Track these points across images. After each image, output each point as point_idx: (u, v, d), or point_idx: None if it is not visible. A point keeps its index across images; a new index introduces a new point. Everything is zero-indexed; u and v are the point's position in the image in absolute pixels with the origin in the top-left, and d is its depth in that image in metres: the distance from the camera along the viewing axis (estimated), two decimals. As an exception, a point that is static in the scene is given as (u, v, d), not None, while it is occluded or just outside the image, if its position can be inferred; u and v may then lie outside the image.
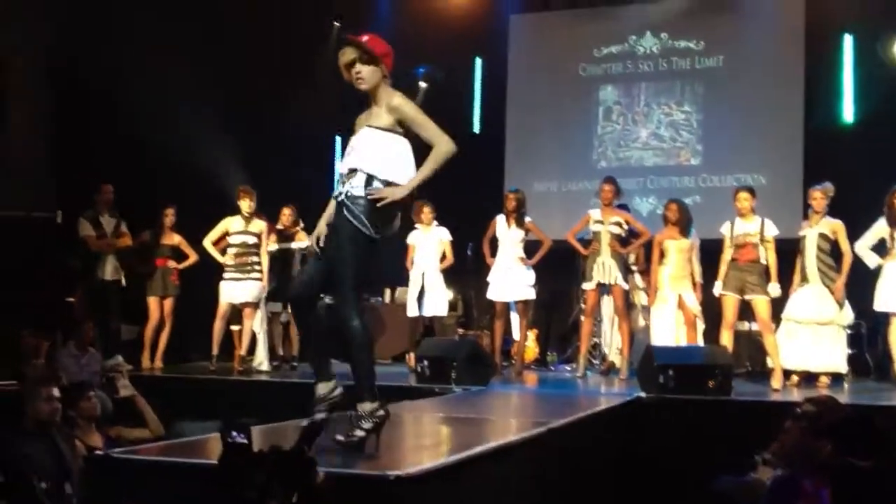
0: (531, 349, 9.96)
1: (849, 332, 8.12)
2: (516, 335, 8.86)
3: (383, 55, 3.84)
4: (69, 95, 9.61)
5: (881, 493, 3.06)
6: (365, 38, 3.83)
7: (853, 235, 7.86)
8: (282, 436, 3.67)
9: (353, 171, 3.72)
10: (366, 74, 3.79)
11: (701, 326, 8.43)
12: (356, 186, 3.68)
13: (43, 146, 9.60)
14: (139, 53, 9.40)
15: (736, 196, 7.89)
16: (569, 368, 9.39)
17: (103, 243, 8.74)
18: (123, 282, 8.89)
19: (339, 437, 3.55)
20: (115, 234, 8.83)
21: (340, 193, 3.71)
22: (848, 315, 7.91)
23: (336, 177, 3.87)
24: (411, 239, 9.08)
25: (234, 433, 2.05)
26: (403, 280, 9.34)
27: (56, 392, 4.60)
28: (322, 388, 3.75)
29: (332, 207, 3.80)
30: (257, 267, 8.62)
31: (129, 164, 9.36)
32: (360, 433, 3.56)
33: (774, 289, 7.64)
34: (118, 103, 9.42)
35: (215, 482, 2.07)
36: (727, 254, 7.81)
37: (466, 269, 9.89)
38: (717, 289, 7.78)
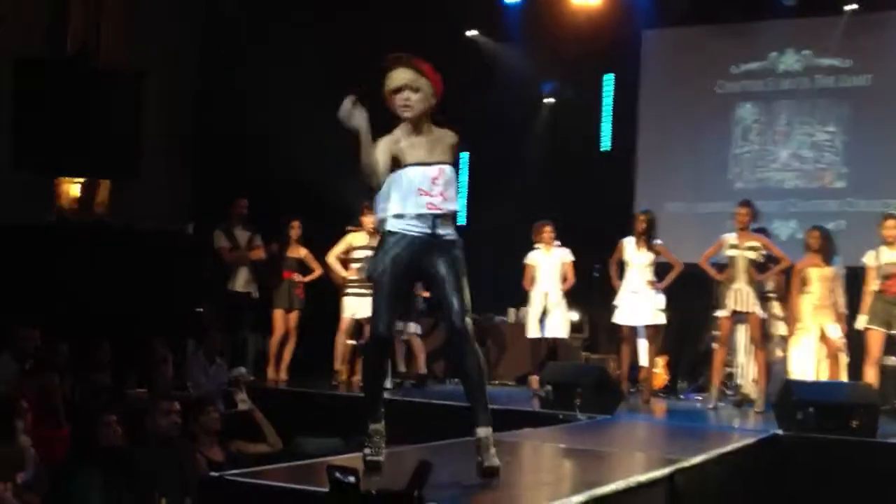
0: (660, 376, 9.63)
1: None
2: (643, 361, 8.56)
3: (438, 85, 3.70)
4: (202, 111, 9.90)
5: None
6: (424, 65, 3.71)
7: None
8: (396, 463, 3.58)
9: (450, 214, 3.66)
10: (414, 102, 3.66)
11: (844, 360, 7.96)
12: (452, 230, 3.68)
13: (177, 160, 9.91)
14: (271, 71, 9.60)
15: (883, 223, 7.43)
16: (699, 398, 9.01)
17: (236, 255, 8.92)
18: (255, 294, 9.04)
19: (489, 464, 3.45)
20: (249, 246, 8.99)
21: (442, 235, 3.64)
22: None
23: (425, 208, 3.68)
24: (530, 259, 8.92)
25: (342, 473, 1.95)
26: (524, 300, 9.18)
27: (176, 406, 4.64)
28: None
29: (409, 243, 3.62)
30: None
31: (258, 177, 9.54)
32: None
33: None
34: (249, 119, 9.63)
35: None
36: (872, 285, 7.35)
37: (593, 291, 9.65)
38: (862, 322, 7.33)
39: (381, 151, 3.65)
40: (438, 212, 3.62)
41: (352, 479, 1.95)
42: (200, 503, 3.77)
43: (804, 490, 5.79)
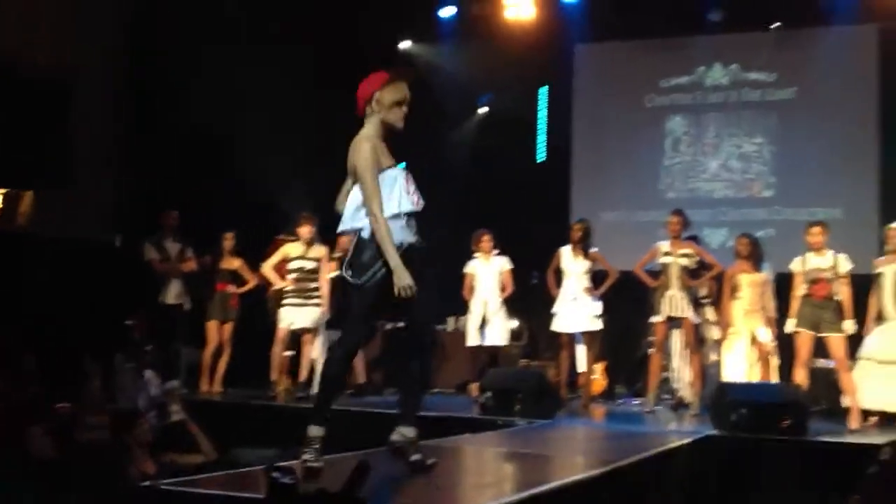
0: (599, 382, 9.72)
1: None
2: (582, 367, 8.63)
3: None
4: (130, 121, 9.69)
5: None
6: None
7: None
8: (334, 470, 3.53)
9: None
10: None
11: (775, 363, 8.14)
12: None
13: (104, 170, 9.68)
14: (204, 76, 9.46)
15: (808, 230, 7.62)
16: (637, 402, 9.12)
17: (168, 267, 8.77)
18: (188, 306, 8.90)
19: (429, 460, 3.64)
20: (180, 258, 8.86)
21: (416, 243, 3.83)
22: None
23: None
24: (469, 268, 8.95)
25: (279, 474, 1.92)
26: (463, 309, 9.20)
27: (105, 419, 4.53)
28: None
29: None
30: (317, 293, 8.54)
31: (190, 188, 9.38)
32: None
33: (850, 325, 7.36)
34: (180, 127, 9.47)
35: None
36: (799, 290, 7.53)
37: (532, 300, 9.71)
38: (790, 326, 7.50)
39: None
40: (418, 210, 3.81)
41: (289, 479, 1.91)
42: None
43: (739, 488, 5.88)
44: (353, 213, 3.81)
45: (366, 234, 3.74)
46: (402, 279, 3.60)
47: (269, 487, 1.93)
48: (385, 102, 3.88)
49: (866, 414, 7.47)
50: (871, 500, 3.16)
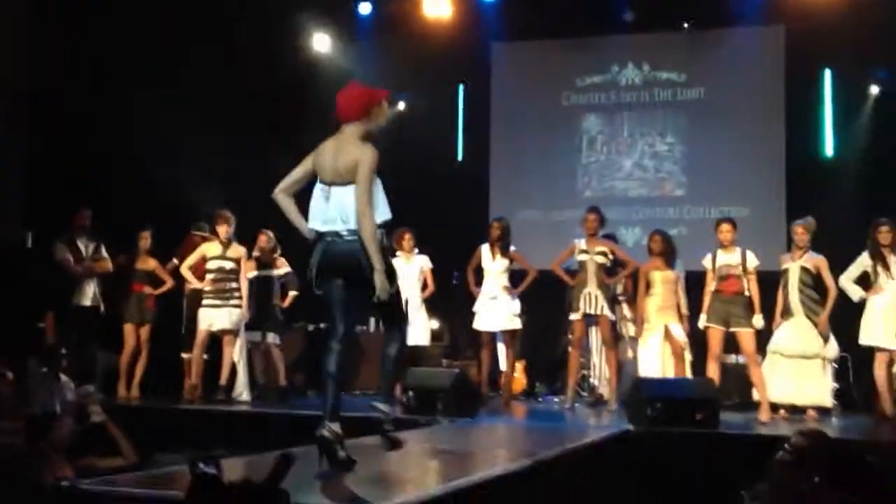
0: (519, 380, 9.83)
1: (834, 366, 8.09)
2: (503, 366, 8.73)
3: None
4: (40, 118, 9.44)
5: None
6: None
7: (835, 267, 7.85)
8: (258, 468, 3.53)
9: None
10: None
11: (688, 358, 8.35)
12: None
13: (13, 169, 9.42)
14: (114, 75, 9.28)
15: (717, 228, 7.87)
16: (557, 400, 9.26)
17: (81, 267, 8.57)
18: (102, 308, 8.71)
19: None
20: (93, 258, 8.65)
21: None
22: (833, 349, 7.88)
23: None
24: (391, 266, 8.95)
25: (203, 465, 1.92)
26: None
27: (18, 425, 4.42)
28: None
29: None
30: (236, 294, 8.46)
31: (103, 187, 9.18)
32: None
33: (759, 320, 7.63)
34: (92, 126, 9.27)
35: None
36: (710, 286, 7.77)
37: (452, 299, 9.77)
38: (703, 321, 7.73)
39: None
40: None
41: (213, 470, 1.92)
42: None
43: (655, 480, 6.03)
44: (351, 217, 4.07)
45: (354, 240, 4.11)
46: (387, 284, 4.01)
47: (192, 479, 1.93)
48: (383, 113, 4.29)
49: (775, 407, 7.74)
50: (778, 486, 3.29)
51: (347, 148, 4.12)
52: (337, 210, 4.06)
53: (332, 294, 4.11)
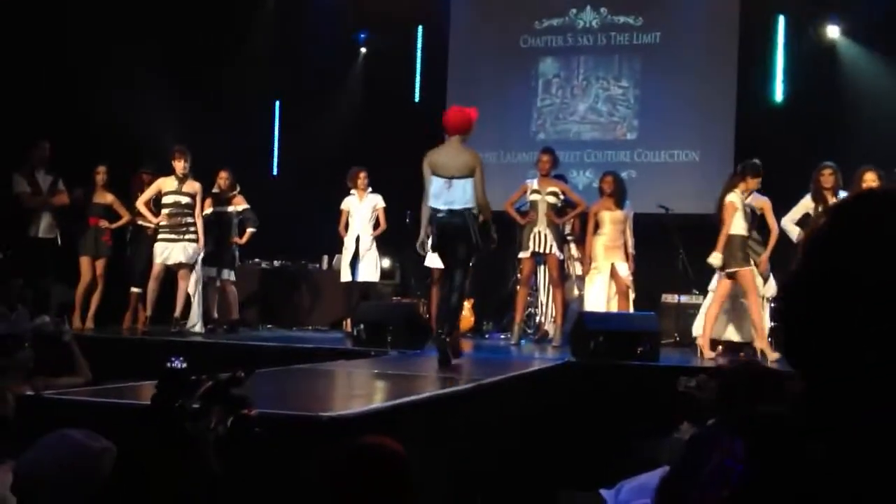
0: (467, 318, 10.00)
1: (772, 304, 8.37)
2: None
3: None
4: None
5: (788, 439, 3.20)
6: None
7: (780, 211, 8.08)
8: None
9: None
10: None
11: (632, 296, 8.61)
12: None
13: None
14: (70, 8, 9.20)
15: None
16: (503, 337, 9.49)
17: (38, 200, 8.56)
18: (59, 241, 8.74)
19: None
20: (51, 191, 8.65)
21: None
22: (772, 288, 8.14)
23: None
24: (345, 204, 9.10)
25: (173, 358, 2.06)
26: (340, 247, 9.36)
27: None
28: None
29: None
30: (192, 229, 8.54)
31: (62, 120, 9.15)
32: None
33: (715, 258, 7.77)
34: (52, 59, 9.20)
35: (150, 413, 2.08)
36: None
37: (405, 237, 9.91)
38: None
39: None
40: None
41: (180, 364, 2.05)
42: (16, 428, 3.73)
43: (594, 409, 6.30)
44: (470, 197, 5.92)
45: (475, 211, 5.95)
46: (488, 243, 6.15)
47: (160, 373, 2.04)
48: (473, 126, 6.18)
49: (714, 344, 8.03)
50: (705, 396, 3.52)
51: (461, 153, 6.02)
52: (456, 195, 5.90)
53: (452, 252, 5.98)
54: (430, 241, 6.14)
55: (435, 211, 6.00)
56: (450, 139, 6.13)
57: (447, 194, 5.93)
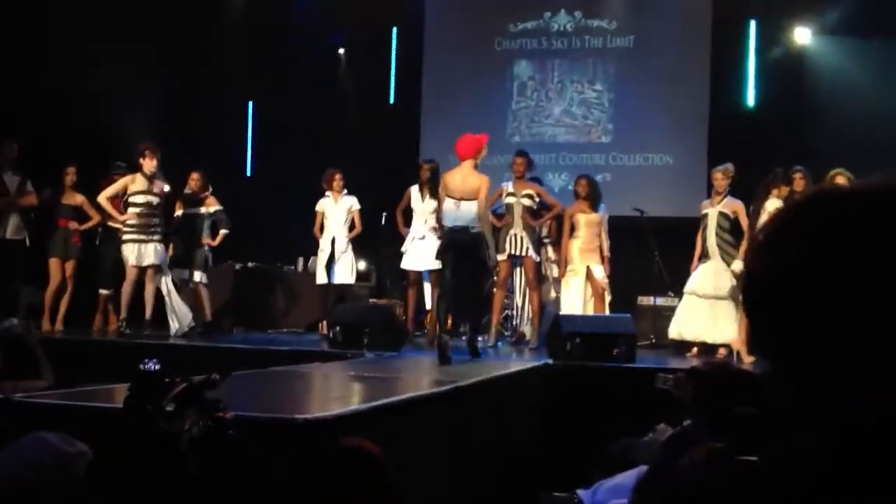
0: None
1: (745, 307, 8.40)
2: (429, 305, 8.90)
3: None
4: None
5: (766, 438, 3.20)
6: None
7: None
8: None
9: None
10: None
11: (608, 298, 8.62)
12: None
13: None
14: (47, 8, 9.08)
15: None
16: (480, 338, 9.43)
17: (6, 201, 8.43)
18: (28, 242, 8.62)
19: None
20: (20, 192, 8.53)
21: None
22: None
23: None
24: (320, 206, 9.05)
25: (147, 361, 2.02)
26: (316, 249, 9.30)
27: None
28: None
29: None
30: (160, 229, 8.45)
31: (30, 120, 9.03)
32: None
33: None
34: (21, 58, 9.08)
35: (123, 415, 2.04)
36: None
37: (380, 239, 9.90)
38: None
39: None
40: None
41: (155, 366, 2.02)
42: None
43: (572, 411, 6.29)
44: (473, 219, 6.63)
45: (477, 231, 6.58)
46: (494, 255, 6.92)
47: (133, 375, 2.01)
48: (484, 151, 6.92)
49: (689, 345, 8.07)
50: (685, 393, 3.51)
51: (470, 177, 6.68)
52: (463, 214, 6.60)
53: (454, 265, 6.60)
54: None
55: (447, 227, 6.80)
56: (462, 164, 6.79)
57: (455, 213, 6.68)
